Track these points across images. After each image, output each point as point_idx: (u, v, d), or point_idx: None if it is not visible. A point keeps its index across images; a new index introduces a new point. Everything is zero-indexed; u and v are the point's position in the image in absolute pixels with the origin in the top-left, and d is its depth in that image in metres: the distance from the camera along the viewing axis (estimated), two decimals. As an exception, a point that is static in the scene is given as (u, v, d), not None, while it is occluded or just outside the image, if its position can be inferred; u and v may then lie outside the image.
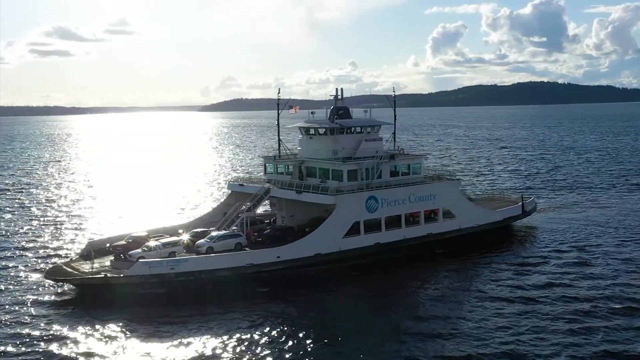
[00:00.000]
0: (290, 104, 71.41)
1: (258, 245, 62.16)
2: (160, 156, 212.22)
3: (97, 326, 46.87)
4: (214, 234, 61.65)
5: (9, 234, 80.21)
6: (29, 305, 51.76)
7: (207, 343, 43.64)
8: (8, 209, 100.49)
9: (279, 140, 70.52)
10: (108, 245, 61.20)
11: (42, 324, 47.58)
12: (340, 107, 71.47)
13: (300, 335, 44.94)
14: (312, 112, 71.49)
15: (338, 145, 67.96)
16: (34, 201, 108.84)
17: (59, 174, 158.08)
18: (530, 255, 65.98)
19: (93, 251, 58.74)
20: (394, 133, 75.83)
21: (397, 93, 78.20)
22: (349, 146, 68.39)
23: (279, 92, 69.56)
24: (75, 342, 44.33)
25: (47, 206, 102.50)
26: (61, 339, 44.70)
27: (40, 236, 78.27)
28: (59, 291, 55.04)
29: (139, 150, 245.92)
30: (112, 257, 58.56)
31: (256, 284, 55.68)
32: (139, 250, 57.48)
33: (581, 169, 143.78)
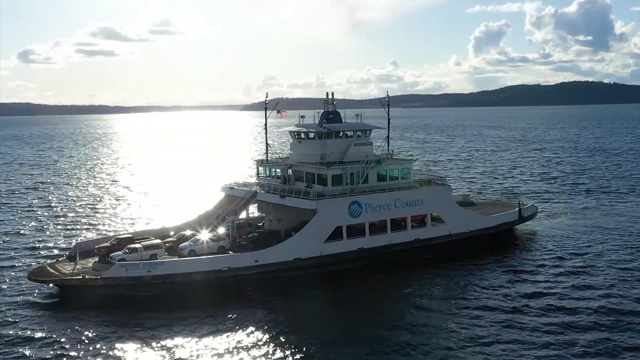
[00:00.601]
0: (278, 108, 71.92)
1: (242, 248, 62.69)
2: (197, 155, 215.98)
3: (74, 327, 47.88)
4: (198, 237, 62.48)
5: (19, 232, 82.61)
6: (9, 305, 53.33)
7: (178, 347, 44.18)
8: (23, 206, 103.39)
9: (267, 144, 70.93)
10: (95, 246, 62.50)
11: (19, 324, 48.92)
12: (330, 112, 71.46)
13: (273, 341, 44.97)
14: (301, 117, 71.68)
15: (326, 149, 67.96)
16: (56, 198, 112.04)
17: (93, 172, 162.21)
18: (521, 263, 64.69)
19: (78, 252, 60.23)
20: (388, 137, 75.67)
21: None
22: (337, 150, 68.34)
23: (266, 96, 70.18)
24: (47, 343, 45.29)
25: (67, 204, 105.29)
26: (34, 340, 45.77)
27: (52, 235, 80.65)
28: (43, 292, 56.36)
29: (177, 150, 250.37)
30: (96, 259, 60.01)
31: (234, 288, 56.23)
32: (120, 252, 58.63)
33: (606, 172, 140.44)
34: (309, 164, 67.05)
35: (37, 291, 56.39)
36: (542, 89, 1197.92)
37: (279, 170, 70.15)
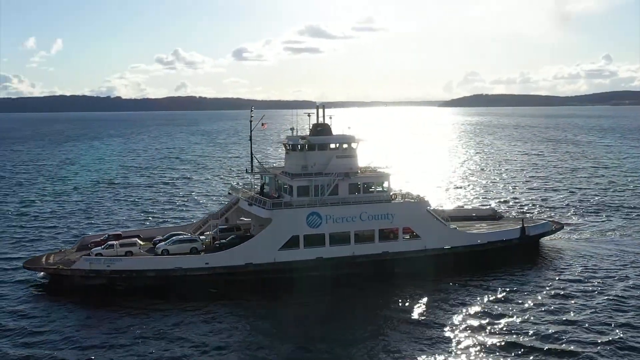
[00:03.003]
0: (262, 121, 76.36)
1: (216, 250, 68.38)
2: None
3: (44, 306, 57.96)
4: (173, 237, 69.35)
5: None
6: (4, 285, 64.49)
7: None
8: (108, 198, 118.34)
9: (251, 154, 75.56)
10: (90, 241, 71.96)
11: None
12: (319, 124, 74.39)
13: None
14: (291, 129, 75.45)
15: (309, 161, 70.94)
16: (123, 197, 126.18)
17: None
18: (489, 287, 62.38)
19: (80, 245, 70.41)
20: (386, 150, 76.73)
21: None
22: (320, 162, 70.90)
23: (251, 110, 75.02)
24: (18, 314, 55.77)
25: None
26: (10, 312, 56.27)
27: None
28: (33, 278, 66.21)
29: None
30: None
31: (187, 287, 62.06)
32: (100, 247, 67.37)
33: None
34: (283, 175, 70.87)
35: (29, 277, 66.77)
36: None
37: (267, 178, 74.79)
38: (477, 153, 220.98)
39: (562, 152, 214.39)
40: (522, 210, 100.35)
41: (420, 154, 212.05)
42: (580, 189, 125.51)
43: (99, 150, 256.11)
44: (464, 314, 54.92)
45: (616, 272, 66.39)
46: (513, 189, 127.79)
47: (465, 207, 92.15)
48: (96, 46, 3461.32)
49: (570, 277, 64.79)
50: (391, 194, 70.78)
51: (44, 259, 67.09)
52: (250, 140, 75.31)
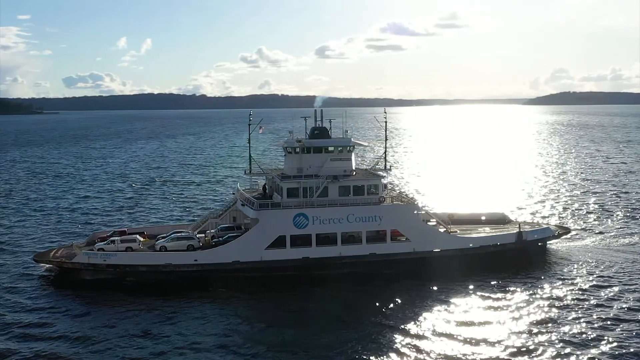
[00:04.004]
0: (260, 124, 78.70)
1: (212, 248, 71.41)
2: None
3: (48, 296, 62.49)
4: (172, 234, 72.87)
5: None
6: (15, 276, 69.73)
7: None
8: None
9: (250, 156, 77.96)
10: (98, 237, 76.46)
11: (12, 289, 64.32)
12: (317, 127, 76.18)
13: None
14: (289, 132, 77.49)
15: (304, 163, 72.96)
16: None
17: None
18: (465, 290, 62.44)
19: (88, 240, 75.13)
20: (385, 153, 77.97)
21: None
22: (315, 165, 72.73)
23: (250, 115, 77.50)
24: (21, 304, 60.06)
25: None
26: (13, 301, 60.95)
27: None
28: (39, 270, 70.97)
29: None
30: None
31: (179, 282, 65.43)
32: (102, 243, 71.67)
33: None
34: (277, 177, 73.11)
35: (37, 269, 71.78)
36: None
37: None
38: (541, 154, 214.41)
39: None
40: (552, 215, 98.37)
41: (477, 155, 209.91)
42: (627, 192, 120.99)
43: (166, 148, 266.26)
44: (440, 317, 55.11)
45: (616, 281, 64.50)
46: (563, 194, 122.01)
47: (485, 211, 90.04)
48: (183, 45, 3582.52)
49: (561, 285, 63.50)
50: (380, 196, 71.56)
51: (52, 253, 71.95)
52: (249, 142, 77.86)
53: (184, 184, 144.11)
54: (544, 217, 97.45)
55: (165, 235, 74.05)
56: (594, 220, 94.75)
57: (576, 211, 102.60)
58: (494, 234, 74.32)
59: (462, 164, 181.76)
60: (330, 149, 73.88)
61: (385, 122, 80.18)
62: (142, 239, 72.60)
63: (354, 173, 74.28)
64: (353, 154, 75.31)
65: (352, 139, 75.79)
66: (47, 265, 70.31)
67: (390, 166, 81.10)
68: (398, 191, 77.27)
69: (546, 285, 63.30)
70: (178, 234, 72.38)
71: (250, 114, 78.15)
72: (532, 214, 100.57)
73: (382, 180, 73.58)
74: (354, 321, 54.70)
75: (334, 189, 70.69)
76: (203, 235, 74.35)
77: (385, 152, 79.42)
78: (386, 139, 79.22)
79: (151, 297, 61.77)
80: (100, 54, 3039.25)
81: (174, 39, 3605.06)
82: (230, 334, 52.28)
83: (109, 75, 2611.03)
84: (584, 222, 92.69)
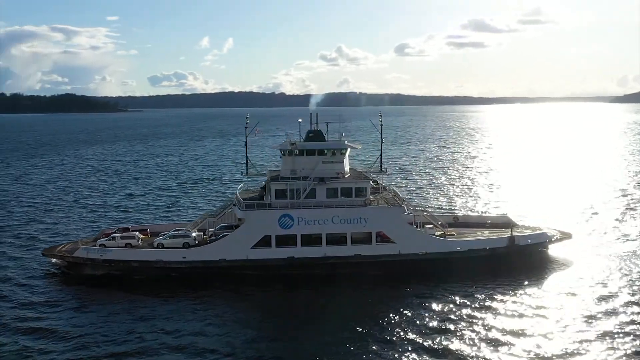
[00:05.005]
0: (257, 127, 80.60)
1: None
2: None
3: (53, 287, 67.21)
4: (169, 232, 76.05)
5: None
6: (25, 269, 74.61)
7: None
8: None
9: (247, 157, 79.95)
10: (104, 233, 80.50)
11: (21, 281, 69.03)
12: (312, 130, 77.66)
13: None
14: (286, 135, 79.16)
15: (297, 165, 74.66)
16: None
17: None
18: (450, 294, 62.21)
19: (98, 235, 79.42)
20: (380, 156, 78.73)
21: None
22: (308, 167, 74.27)
23: (247, 118, 79.49)
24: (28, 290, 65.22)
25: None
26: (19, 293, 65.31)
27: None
28: (48, 264, 75.38)
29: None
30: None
31: (170, 279, 68.55)
32: (105, 239, 75.65)
33: None
34: (270, 179, 75.05)
35: (45, 263, 76.36)
36: None
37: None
38: (624, 157, 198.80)
39: None
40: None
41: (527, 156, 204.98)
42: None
43: (227, 146, 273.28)
44: (414, 320, 55.57)
45: (608, 287, 63.34)
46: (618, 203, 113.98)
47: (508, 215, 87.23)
48: (263, 44, 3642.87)
49: (547, 291, 62.78)
50: (365, 198, 72.30)
51: (59, 247, 76.53)
52: (246, 145, 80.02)
53: (226, 182, 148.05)
54: (574, 224, 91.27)
55: (165, 232, 77.43)
56: (612, 228, 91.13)
57: (607, 220, 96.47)
58: (485, 238, 73.61)
59: (536, 165, 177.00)
60: (324, 151, 75.18)
61: (381, 124, 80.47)
62: (142, 236, 76.11)
63: (347, 175, 75.33)
64: (347, 156, 76.27)
65: (345, 142, 76.79)
66: (54, 260, 74.87)
67: (386, 168, 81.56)
68: (393, 193, 77.28)
69: (530, 291, 62.65)
70: (175, 232, 75.46)
71: (247, 117, 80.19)
72: (556, 220, 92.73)
73: (379, 182, 74.61)
74: (333, 321, 55.53)
75: (321, 191, 72.06)
76: (202, 233, 77.03)
77: (380, 155, 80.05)
78: (382, 142, 79.64)
79: (140, 294, 64.60)
80: (184, 53, 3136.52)
81: (255, 38, 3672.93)
82: (209, 333, 53.68)
83: (192, 74, 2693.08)
84: (598, 231, 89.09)
